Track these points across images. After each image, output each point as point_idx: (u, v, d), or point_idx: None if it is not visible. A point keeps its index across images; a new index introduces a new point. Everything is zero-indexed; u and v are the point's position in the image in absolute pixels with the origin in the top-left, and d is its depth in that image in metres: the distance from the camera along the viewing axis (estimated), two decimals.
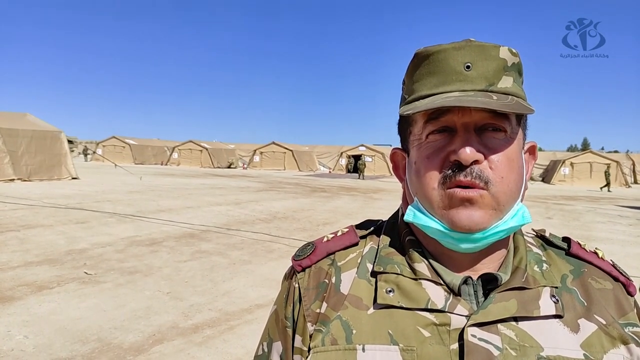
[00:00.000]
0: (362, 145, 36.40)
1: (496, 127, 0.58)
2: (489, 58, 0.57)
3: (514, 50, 0.59)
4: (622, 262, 6.53)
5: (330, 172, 37.00)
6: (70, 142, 22.35)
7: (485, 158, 0.57)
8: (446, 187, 0.57)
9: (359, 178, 28.99)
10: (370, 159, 35.21)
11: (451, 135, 0.58)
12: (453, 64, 0.58)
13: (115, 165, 23.55)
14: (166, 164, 38.94)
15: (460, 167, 0.56)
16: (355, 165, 33.59)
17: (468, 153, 0.55)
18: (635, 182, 33.33)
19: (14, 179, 15.81)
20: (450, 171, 0.56)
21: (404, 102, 0.64)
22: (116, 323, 3.80)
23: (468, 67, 0.57)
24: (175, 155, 39.25)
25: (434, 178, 0.58)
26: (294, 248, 6.58)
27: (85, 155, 40.19)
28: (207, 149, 38.34)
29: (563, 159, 31.18)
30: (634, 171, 34.28)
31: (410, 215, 0.62)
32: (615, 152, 58.59)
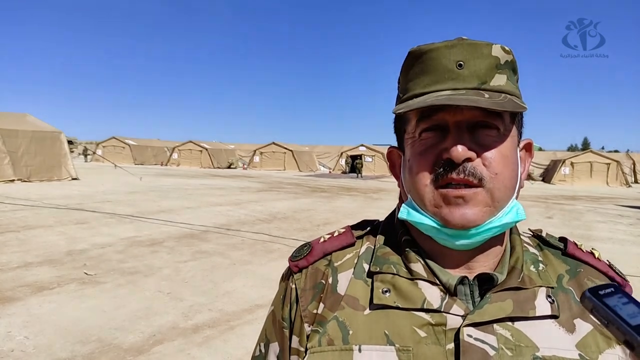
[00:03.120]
0: (362, 145, 36.35)
1: (488, 124, 0.57)
2: (481, 56, 0.57)
3: (507, 48, 0.59)
4: (623, 262, 6.53)
5: (330, 172, 36.98)
6: (70, 142, 22.35)
7: (478, 155, 0.57)
8: (438, 185, 0.57)
9: (357, 177, 29.32)
10: (370, 159, 35.19)
11: (444, 133, 0.58)
12: (445, 63, 0.58)
13: (115, 165, 23.54)
14: (166, 165, 38.89)
15: (452, 164, 0.56)
16: (353, 165, 33.66)
17: (459, 151, 0.55)
18: (636, 181, 33.30)
19: (13, 180, 15.81)
20: (441, 169, 0.57)
21: (398, 100, 0.64)
22: (116, 323, 3.80)
23: (460, 65, 0.57)
24: (175, 155, 39.20)
25: (426, 175, 0.58)
26: (294, 248, 6.56)
27: (85, 155, 40.15)
28: (207, 149, 38.31)
29: (563, 158, 31.14)
30: (634, 171, 34.24)
31: (404, 213, 0.62)
32: (616, 151, 58.54)
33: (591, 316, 0.41)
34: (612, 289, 0.41)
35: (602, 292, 0.40)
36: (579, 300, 0.61)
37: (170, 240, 7.16)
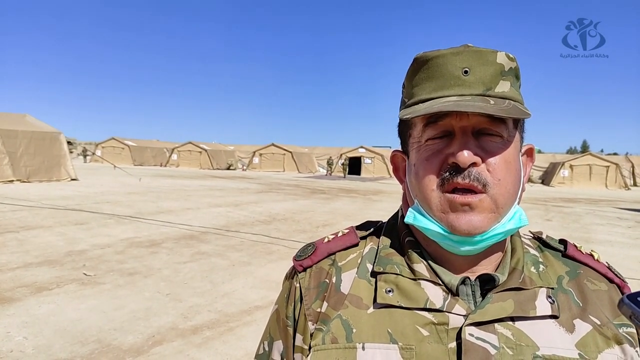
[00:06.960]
0: (362, 147, 36.34)
1: (493, 131, 0.59)
2: (487, 63, 0.58)
3: (511, 55, 0.60)
4: (621, 265, 6.55)
5: (329, 173, 36.98)
6: (69, 143, 22.34)
7: (483, 161, 0.57)
8: (444, 189, 0.58)
9: (344, 177, 30.98)
10: (370, 161, 35.26)
11: (449, 139, 0.59)
12: (451, 69, 0.59)
13: (115, 166, 23.55)
14: (165, 166, 38.84)
15: (457, 169, 0.57)
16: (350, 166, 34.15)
17: (466, 156, 0.56)
18: (635, 184, 33.34)
19: (13, 180, 15.78)
20: (448, 174, 0.58)
21: (403, 105, 0.65)
22: (116, 324, 3.80)
23: (466, 72, 0.58)
24: (174, 156, 39.15)
25: (432, 180, 0.59)
26: (294, 249, 6.58)
27: (85, 156, 40.08)
28: (206, 151, 38.27)
29: (562, 161, 31.20)
30: (633, 173, 34.30)
31: (410, 218, 0.63)
32: (615, 154, 58.59)
33: (629, 322, 0.42)
34: None
35: None
36: (578, 301, 0.62)
37: (170, 241, 7.15)
